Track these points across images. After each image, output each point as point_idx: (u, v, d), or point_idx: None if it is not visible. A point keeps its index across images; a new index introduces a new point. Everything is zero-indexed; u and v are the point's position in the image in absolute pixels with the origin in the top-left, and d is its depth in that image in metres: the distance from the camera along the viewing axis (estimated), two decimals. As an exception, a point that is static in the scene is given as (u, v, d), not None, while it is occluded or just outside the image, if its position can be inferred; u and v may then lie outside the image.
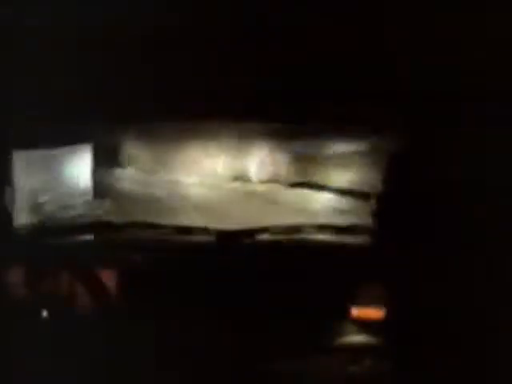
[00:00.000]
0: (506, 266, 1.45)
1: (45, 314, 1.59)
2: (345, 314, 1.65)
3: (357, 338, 1.65)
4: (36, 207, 2.21)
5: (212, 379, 1.55)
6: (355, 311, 1.65)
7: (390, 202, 1.64)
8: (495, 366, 1.45)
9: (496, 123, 1.43)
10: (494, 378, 1.45)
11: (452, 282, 1.52)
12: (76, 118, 1.82)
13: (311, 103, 1.55)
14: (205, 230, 1.85)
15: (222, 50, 1.42)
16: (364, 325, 1.64)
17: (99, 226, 1.84)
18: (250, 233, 1.83)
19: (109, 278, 1.63)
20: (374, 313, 1.64)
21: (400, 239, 1.68)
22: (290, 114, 1.64)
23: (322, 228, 1.96)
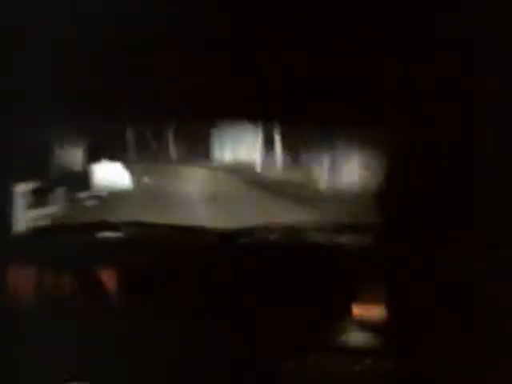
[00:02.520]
0: None
1: (44, 313, 1.59)
2: (345, 313, 1.65)
3: (357, 338, 1.65)
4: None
5: (212, 379, 1.55)
6: (356, 310, 1.65)
7: (394, 201, 1.64)
8: (497, 365, 1.45)
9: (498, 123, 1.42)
10: (495, 377, 1.45)
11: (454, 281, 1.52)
12: (77, 117, 1.82)
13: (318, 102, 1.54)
14: (205, 230, 1.85)
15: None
16: (365, 324, 1.64)
17: (99, 226, 1.84)
18: (250, 232, 1.83)
19: (108, 278, 1.63)
20: (375, 312, 1.64)
21: (402, 238, 1.68)
22: (295, 114, 1.64)
23: (322, 227, 1.97)
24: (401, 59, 1.41)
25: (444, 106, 1.45)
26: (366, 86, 1.46)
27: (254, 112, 1.64)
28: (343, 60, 1.40)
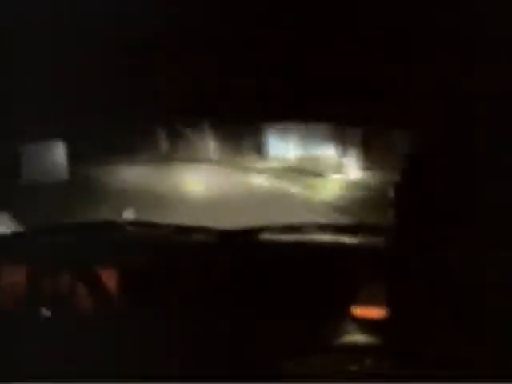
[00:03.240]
0: None
1: (45, 313, 1.59)
2: (345, 313, 1.65)
3: (357, 338, 1.64)
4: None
5: (211, 379, 1.55)
6: (356, 310, 1.65)
7: (394, 201, 1.63)
8: (497, 365, 1.45)
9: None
10: (495, 376, 1.45)
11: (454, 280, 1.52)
12: (74, 116, 1.82)
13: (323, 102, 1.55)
14: (205, 230, 1.85)
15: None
16: (365, 324, 1.64)
17: (99, 225, 1.84)
18: (251, 232, 1.83)
19: (109, 278, 1.63)
20: (375, 312, 1.64)
21: (402, 238, 1.68)
22: (295, 114, 1.64)
23: (322, 227, 1.97)
24: (401, 59, 1.41)
25: (444, 106, 1.45)
26: (366, 85, 1.46)
27: (254, 112, 1.64)
28: (343, 60, 1.40)
